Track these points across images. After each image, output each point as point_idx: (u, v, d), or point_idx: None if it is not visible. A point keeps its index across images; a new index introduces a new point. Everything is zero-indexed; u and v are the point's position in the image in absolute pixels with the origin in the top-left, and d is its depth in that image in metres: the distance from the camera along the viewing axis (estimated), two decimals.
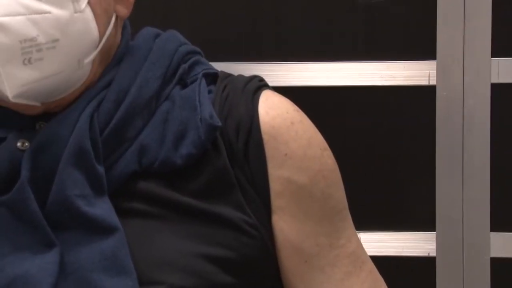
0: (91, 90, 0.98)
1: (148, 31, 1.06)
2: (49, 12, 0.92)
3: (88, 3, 0.95)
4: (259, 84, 1.03)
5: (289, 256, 0.99)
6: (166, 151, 0.97)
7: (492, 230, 1.82)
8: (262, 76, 1.07)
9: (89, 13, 0.95)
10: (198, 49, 1.07)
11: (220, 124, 0.97)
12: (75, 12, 0.94)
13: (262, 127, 0.99)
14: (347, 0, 1.87)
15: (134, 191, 0.97)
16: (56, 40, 0.93)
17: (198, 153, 0.96)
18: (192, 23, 1.87)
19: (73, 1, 0.94)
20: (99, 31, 0.97)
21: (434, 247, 1.83)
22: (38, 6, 0.92)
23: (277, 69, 1.85)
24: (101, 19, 0.97)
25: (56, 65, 0.94)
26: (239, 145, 0.98)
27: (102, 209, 0.93)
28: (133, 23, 1.06)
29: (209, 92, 1.02)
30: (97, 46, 0.97)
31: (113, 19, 1.00)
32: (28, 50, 0.91)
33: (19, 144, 0.96)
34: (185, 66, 1.03)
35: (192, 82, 1.02)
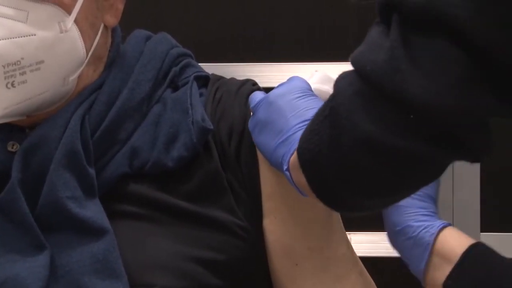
0: (82, 92, 0.98)
1: (139, 33, 1.06)
2: (34, 34, 0.91)
3: (75, 21, 0.94)
4: (253, 88, 1.03)
5: (280, 259, 0.99)
6: (158, 153, 0.97)
7: (482, 230, 1.82)
8: (253, 77, 1.07)
9: (75, 32, 0.94)
10: (189, 52, 1.07)
11: (212, 127, 0.97)
12: (61, 32, 0.93)
13: None
14: (338, 1, 1.87)
15: (125, 193, 0.96)
16: (40, 62, 0.92)
17: (189, 155, 0.96)
18: (183, 24, 1.87)
19: (59, 21, 0.93)
20: (86, 47, 0.96)
21: None
22: (23, 28, 0.90)
23: (268, 69, 1.85)
24: (88, 34, 0.96)
25: (40, 86, 0.93)
26: (232, 148, 0.99)
27: (93, 211, 0.93)
28: (124, 25, 1.06)
29: (200, 95, 1.02)
30: (83, 63, 0.96)
31: (101, 29, 0.99)
32: (11, 74, 0.90)
33: (9, 146, 0.96)
34: (176, 68, 1.03)
35: (183, 85, 1.02)
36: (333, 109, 0.77)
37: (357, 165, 0.76)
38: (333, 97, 0.78)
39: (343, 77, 0.78)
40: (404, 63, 0.71)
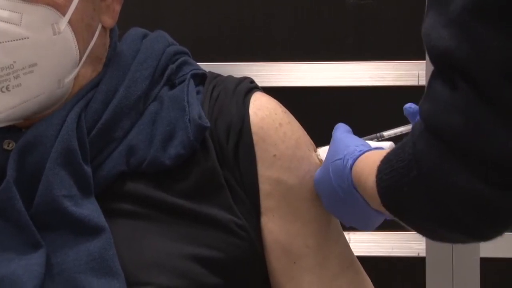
0: (79, 91, 0.98)
1: (136, 31, 1.05)
2: (27, 37, 0.91)
3: (69, 22, 0.94)
4: (250, 86, 1.03)
5: (278, 257, 0.99)
6: (155, 151, 0.96)
7: None
8: (252, 76, 1.07)
9: (69, 33, 0.94)
10: (185, 50, 1.07)
11: (208, 124, 0.97)
12: (54, 34, 0.93)
13: (252, 129, 0.99)
14: (336, 1, 1.87)
15: (122, 192, 0.96)
16: (33, 65, 0.92)
17: (186, 153, 0.96)
18: (183, 22, 1.87)
19: (52, 23, 0.93)
20: (79, 48, 0.96)
21: (424, 247, 1.83)
22: (16, 31, 0.90)
23: (267, 69, 1.85)
24: (83, 35, 0.96)
25: (35, 88, 0.93)
26: (229, 146, 0.98)
27: (89, 209, 0.93)
28: (121, 23, 1.05)
29: (198, 92, 1.02)
30: (78, 64, 0.96)
31: (98, 30, 0.99)
32: (5, 78, 0.91)
33: (5, 144, 0.95)
34: (173, 66, 1.03)
35: (180, 83, 1.02)
36: (421, 174, 0.77)
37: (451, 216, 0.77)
38: (416, 162, 0.78)
39: (420, 137, 0.78)
40: (486, 122, 0.72)
